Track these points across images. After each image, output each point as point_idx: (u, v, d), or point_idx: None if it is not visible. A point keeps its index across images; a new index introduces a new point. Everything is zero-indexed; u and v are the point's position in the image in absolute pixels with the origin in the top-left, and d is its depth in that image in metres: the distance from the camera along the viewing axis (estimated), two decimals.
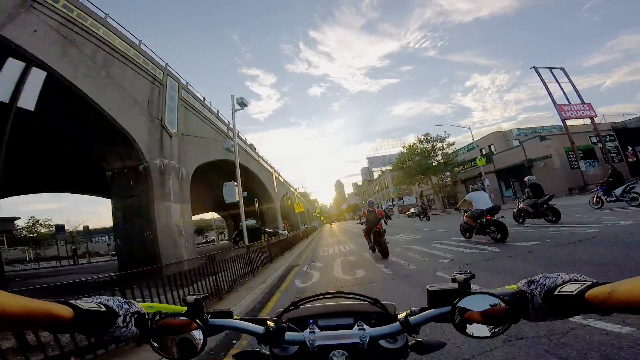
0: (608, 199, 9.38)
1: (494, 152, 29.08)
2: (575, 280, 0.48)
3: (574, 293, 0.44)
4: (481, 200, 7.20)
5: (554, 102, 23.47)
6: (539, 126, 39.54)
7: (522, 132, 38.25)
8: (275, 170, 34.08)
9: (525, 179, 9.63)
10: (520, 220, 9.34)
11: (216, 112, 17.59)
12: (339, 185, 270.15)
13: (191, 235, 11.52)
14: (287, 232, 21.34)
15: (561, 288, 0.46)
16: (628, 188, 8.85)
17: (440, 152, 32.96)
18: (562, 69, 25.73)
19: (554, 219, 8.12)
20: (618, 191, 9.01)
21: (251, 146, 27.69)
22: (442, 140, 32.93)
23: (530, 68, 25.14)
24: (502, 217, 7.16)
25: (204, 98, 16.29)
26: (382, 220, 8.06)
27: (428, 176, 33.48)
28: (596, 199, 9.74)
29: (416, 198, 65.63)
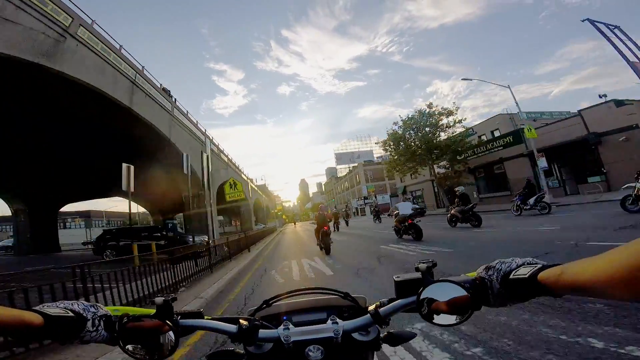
0: (525, 207, 10.63)
1: (530, 129, 21.03)
2: (527, 264, 0.48)
3: (526, 276, 0.45)
4: (404, 208, 9.05)
5: (627, 60, 16.43)
6: (547, 111, 33.31)
7: (530, 116, 31.84)
8: (213, 142, 22.68)
9: (456, 189, 10.93)
10: (452, 224, 10.60)
11: None
12: (303, 185, 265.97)
13: None
14: (207, 239, 10.25)
15: (515, 272, 0.48)
16: (539, 198, 10.41)
17: (447, 129, 24.30)
18: (618, 27, 18.70)
19: (476, 223, 9.59)
20: (531, 200, 10.39)
21: (166, 92, 16.21)
22: (449, 113, 24.29)
23: (583, 20, 18.29)
24: (419, 220, 8.91)
25: None
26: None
27: (428, 162, 24.62)
28: (516, 207, 11.20)
29: (392, 197, 58.11)
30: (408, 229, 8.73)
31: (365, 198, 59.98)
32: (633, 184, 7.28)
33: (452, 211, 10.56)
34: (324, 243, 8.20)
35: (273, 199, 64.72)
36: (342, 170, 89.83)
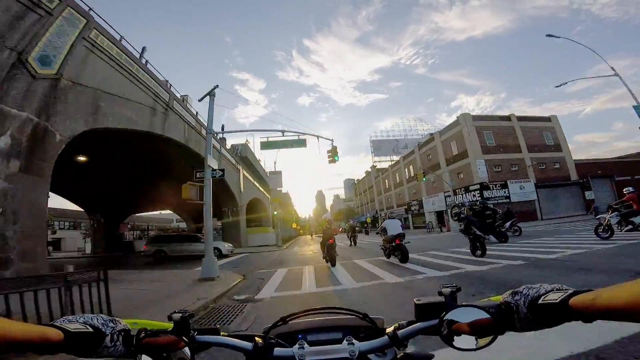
0: (501, 230, 10.96)
1: None
2: (557, 290, 0.48)
3: (557, 301, 0.45)
4: (393, 227, 8.33)
5: None
6: None
7: None
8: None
9: (475, 207, 11.33)
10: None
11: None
12: (320, 196, 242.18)
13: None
14: None
15: (545, 297, 0.47)
16: (513, 223, 11.97)
17: None
18: None
19: (504, 240, 9.98)
20: (507, 224, 11.85)
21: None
22: None
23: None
24: (408, 242, 8.20)
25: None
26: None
27: None
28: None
29: (540, 187, 24.43)
30: (395, 250, 8.05)
31: (484, 187, 25.77)
32: (604, 215, 8.53)
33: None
34: (329, 255, 8.38)
35: (267, 187, 31.53)
36: (386, 162, 58.11)
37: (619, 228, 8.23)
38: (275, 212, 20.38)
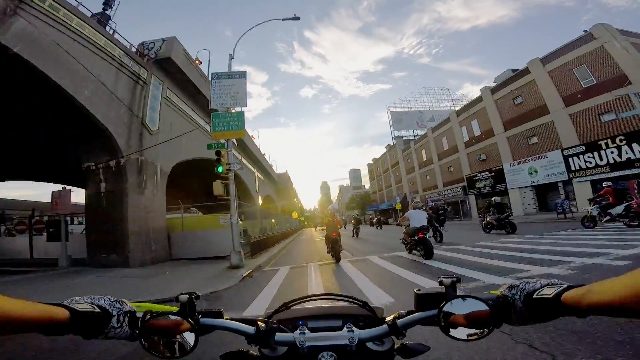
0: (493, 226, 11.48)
1: None
2: (552, 284, 0.49)
3: (551, 296, 0.45)
4: (417, 218, 7.55)
5: None
6: None
7: None
8: None
9: (493, 198, 11.89)
10: (487, 230, 11.33)
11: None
12: (325, 187, 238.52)
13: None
14: None
15: (539, 291, 0.48)
16: (506, 215, 10.90)
17: None
18: None
19: (511, 230, 10.30)
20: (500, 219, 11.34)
21: None
22: None
23: None
24: (432, 236, 8.83)
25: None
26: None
27: None
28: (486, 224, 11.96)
29: None
30: (417, 244, 7.19)
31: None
32: (588, 208, 9.36)
33: (488, 219, 11.31)
34: (334, 251, 7.85)
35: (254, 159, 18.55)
36: (407, 137, 45.15)
37: (599, 219, 8.86)
38: (227, 165, 7.08)
